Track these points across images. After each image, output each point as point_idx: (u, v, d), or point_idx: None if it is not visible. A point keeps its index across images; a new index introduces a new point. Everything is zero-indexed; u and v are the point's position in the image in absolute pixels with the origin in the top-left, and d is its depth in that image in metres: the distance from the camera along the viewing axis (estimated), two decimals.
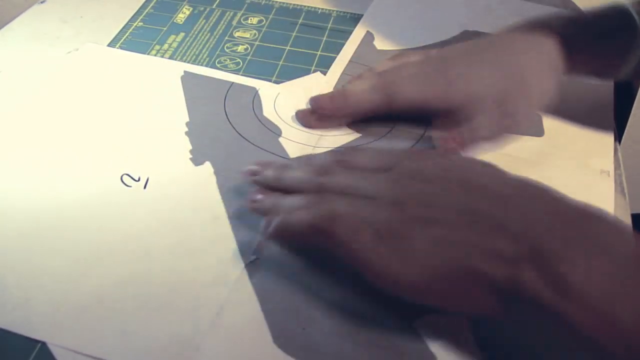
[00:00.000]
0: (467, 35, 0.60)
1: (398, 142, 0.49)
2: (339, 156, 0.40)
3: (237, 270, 0.39)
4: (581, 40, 0.48)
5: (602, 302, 0.28)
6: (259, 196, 0.40)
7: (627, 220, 0.44)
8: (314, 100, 0.50)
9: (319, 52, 0.58)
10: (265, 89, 0.53)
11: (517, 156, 0.48)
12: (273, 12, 0.63)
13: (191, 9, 0.63)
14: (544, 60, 0.47)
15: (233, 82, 0.53)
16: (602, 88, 0.55)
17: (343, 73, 0.55)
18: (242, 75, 0.55)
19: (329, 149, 0.48)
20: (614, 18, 0.47)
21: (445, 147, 0.46)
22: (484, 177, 0.35)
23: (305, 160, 0.42)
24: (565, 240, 0.30)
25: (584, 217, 0.32)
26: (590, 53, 0.48)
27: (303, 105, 0.51)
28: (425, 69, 0.48)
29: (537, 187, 0.34)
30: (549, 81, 0.47)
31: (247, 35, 0.60)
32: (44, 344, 0.34)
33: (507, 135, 0.48)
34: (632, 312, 0.28)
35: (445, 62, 0.48)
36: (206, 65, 0.55)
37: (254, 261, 0.40)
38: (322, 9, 0.64)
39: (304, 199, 0.37)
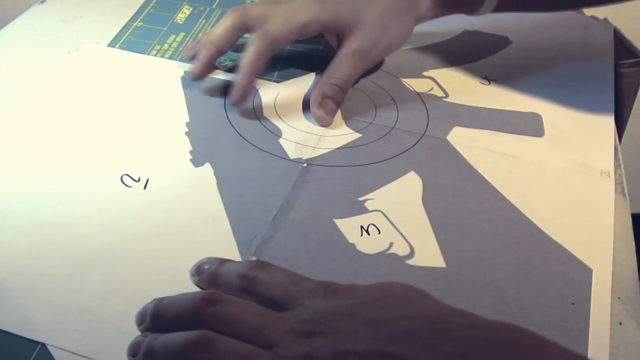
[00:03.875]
0: (467, 35, 0.60)
1: (398, 142, 0.49)
2: (246, 273, 0.35)
3: None
4: None
5: None
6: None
7: (627, 221, 0.44)
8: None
9: (319, 52, 0.58)
10: (265, 88, 0.53)
11: (517, 156, 0.48)
12: None
13: (191, 8, 0.63)
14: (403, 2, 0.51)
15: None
16: (602, 88, 0.55)
17: None
18: None
19: (330, 149, 0.48)
20: None
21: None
22: (390, 311, 0.32)
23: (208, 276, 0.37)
24: None
25: (515, 344, 0.29)
26: None
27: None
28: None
29: (459, 313, 0.32)
30: (408, 23, 0.52)
31: (247, 35, 0.60)
32: (43, 345, 0.34)
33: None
34: None
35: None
36: None
37: None
38: None
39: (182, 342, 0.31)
